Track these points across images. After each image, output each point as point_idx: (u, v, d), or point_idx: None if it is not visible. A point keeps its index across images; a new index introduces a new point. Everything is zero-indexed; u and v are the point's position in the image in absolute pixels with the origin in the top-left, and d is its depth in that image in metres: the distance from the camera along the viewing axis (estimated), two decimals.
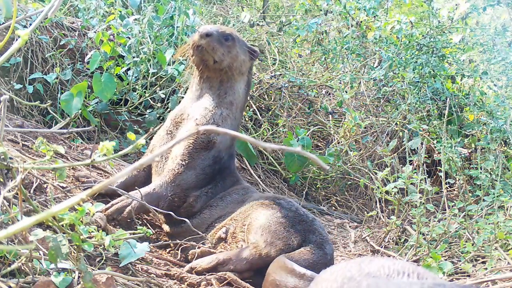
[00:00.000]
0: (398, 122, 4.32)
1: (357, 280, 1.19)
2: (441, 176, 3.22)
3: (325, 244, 2.30)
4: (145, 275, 1.95)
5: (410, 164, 3.12)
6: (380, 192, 3.23)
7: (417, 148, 3.74)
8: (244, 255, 2.19)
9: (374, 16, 4.80)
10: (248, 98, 2.80)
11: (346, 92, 4.31)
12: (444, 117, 3.71)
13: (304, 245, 2.25)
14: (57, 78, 3.58)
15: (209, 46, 2.49)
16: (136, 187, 2.44)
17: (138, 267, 1.99)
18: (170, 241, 2.44)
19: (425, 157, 3.47)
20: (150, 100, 3.64)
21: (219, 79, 2.58)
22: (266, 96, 4.57)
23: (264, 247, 2.20)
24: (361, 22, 4.85)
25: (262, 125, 4.20)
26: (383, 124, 4.42)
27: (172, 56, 3.52)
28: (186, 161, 2.47)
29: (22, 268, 1.54)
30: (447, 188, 3.83)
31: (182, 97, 3.61)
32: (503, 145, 4.35)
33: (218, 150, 2.53)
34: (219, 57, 2.51)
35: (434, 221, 3.09)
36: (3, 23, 3.18)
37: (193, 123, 2.53)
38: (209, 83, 2.60)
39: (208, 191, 2.52)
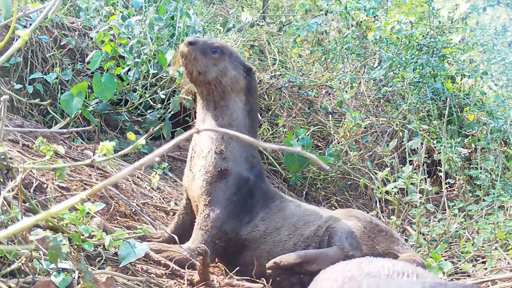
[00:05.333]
0: (398, 122, 4.32)
1: (357, 280, 1.19)
2: (441, 176, 3.22)
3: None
4: (145, 275, 1.95)
5: (410, 164, 3.12)
6: (380, 192, 3.23)
7: (417, 148, 3.74)
8: (329, 254, 2.18)
9: (374, 16, 4.80)
10: (257, 120, 2.66)
11: (346, 92, 4.31)
12: (444, 117, 3.71)
13: (389, 254, 2.26)
14: (57, 78, 3.58)
15: (191, 54, 2.36)
16: (185, 232, 2.44)
17: (138, 267, 1.99)
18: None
19: (425, 157, 3.47)
20: (150, 101, 3.64)
21: (212, 97, 2.43)
22: (266, 96, 4.57)
23: (349, 250, 2.20)
24: (361, 22, 4.85)
25: (262, 125, 4.20)
26: (383, 124, 4.42)
27: (172, 62, 3.49)
28: (208, 200, 2.36)
29: (22, 268, 1.54)
30: (447, 188, 3.83)
31: (184, 98, 3.63)
32: (503, 145, 4.35)
33: (237, 175, 2.40)
34: (202, 67, 2.36)
35: (434, 221, 3.09)
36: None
37: (202, 161, 2.43)
38: (206, 103, 2.47)
39: (246, 216, 2.42)
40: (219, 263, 2.42)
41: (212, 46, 2.41)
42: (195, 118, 3.78)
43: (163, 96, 3.56)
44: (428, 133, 4.20)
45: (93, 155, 1.63)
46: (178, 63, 2.52)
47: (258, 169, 2.50)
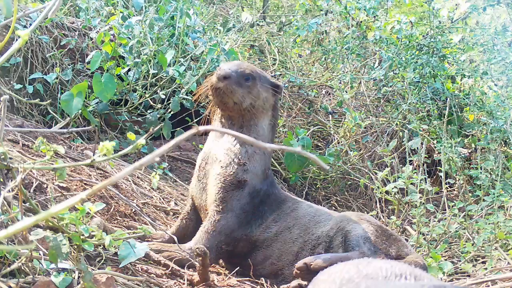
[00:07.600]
0: (398, 122, 4.32)
1: (355, 281, 1.19)
2: (441, 176, 3.22)
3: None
4: (145, 275, 1.95)
5: (410, 164, 3.12)
6: (380, 192, 3.24)
7: (417, 148, 3.74)
8: (352, 258, 2.19)
9: (374, 16, 4.80)
10: (276, 129, 2.65)
11: (346, 92, 4.31)
12: (444, 117, 3.71)
13: (400, 257, 2.29)
14: (57, 78, 3.58)
15: (227, 89, 2.37)
16: (186, 236, 2.43)
17: (138, 267, 1.99)
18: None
19: (425, 157, 3.47)
20: (150, 101, 3.64)
21: (242, 119, 2.47)
22: None
23: (369, 254, 2.21)
24: (361, 22, 4.85)
25: None
26: (383, 124, 4.42)
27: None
28: (221, 206, 2.37)
29: (22, 268, 1.54)
30: (447, 188, 3.83)
31: (184, 99, 3.62)
32: (503, 145, 4.35)
33: (253, 186, 2.43)
34: (239, 99, 2.39)
35: (434, 221, 3.09)
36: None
37: (218, 168, 2.42)
38: (230, 121, 2.49)
39: (257, 220, 2.44)
40: (220, 264, 2.42)
41: (244, 75, 2.43)
42: (195, 118, 3.81)
43: (163, 96, 3.56)
44: (428, 133, 4.20)
45: (93, 155, 1.63)
46: (204, 94, 2.52)
47: (271, 179, 2.55)
